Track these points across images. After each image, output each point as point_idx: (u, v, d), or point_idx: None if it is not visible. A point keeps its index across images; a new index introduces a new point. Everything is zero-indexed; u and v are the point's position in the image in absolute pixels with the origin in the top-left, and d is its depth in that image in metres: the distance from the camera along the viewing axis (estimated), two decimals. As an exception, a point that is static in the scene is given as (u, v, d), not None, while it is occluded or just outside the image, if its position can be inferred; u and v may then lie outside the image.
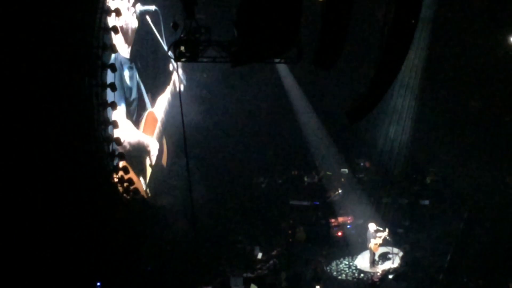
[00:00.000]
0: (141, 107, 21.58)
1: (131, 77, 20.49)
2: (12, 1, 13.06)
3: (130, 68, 20.49)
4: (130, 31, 20.02)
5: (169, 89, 24.63)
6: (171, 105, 24.52)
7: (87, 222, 15.90)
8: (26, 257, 14.25)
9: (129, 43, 20.05)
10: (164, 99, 24.05)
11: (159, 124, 23.24)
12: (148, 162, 22.32)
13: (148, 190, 21.92)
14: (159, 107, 23.49)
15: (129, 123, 19.95)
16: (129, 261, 18.33)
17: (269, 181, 28.07)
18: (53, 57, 14.24)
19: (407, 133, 26.37)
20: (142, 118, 21.57)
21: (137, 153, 21.00)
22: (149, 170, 22.34)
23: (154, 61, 23.18)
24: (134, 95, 20.75)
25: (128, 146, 19.46)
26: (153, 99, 22.95)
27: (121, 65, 19.03)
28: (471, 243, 21.97)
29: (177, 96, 24.38)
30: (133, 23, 20.35)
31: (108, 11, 17.03)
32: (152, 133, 22.73)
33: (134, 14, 20.37)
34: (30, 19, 13.43)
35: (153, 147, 22.67)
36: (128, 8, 19.72)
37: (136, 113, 20.97)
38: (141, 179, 21.33)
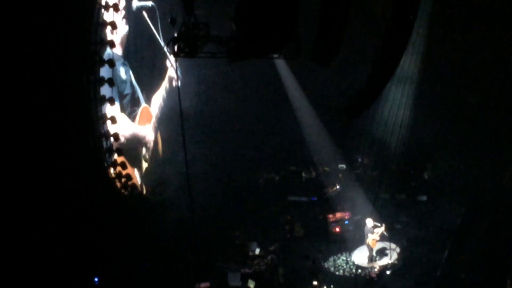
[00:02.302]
0: (135, 103, 21.52)
1: (125, 72, 20.44)
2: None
3: (124, 65, 20.44)
4: (122, 27, 19.98)
5: (163, 86, 24.57)
6: (166, 102, 24.47)
7: (85, 217, 15.91)
8: (23, 253, 14.25)
9: (121, 40, 20.00)
10: (159, 97, 24.00)
11: (153, 120, 23.20)
12: (143, 154, 22.27)
13: (144, 185, 21.90)
14: (154, 105, 23.46)
15: (123, 117, 19.92)
16: (127, 257, 18.34)
17: (267, 177, 28.11)
18: (51, 52, 14.24)
19: (405, 129, 26.36)
20: (136, 113, 21.53)
21: (133, 146, 20.97)
22: (144, 165, 22.31)
23: (150, 57, 23.13)
24: (127, 90, 20.71)
25: (123, 140, 19.44)
26: (148, 98, 22.91)
27: (115, 60, 18.98)
28: (468, 239, 22.00)
29: (172, 93, 24.36)
30: (125, 19, 20.29)
31: (106, 7, 17.01)
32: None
33: (125, 10, 20.28)
34: (28, 15, 13.41)
35: (149, 137, 22.59)
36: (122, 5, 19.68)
37: (129, 108, 20.92)
38: (137, 173, 21.32)
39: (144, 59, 22.49)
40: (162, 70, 24.50)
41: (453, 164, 26.52)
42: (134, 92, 21.45)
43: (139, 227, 19.22)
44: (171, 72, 24.49)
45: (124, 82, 20.33)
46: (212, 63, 24.34)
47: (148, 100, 22.87)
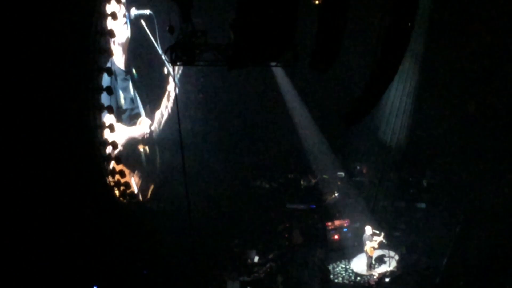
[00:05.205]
0: (134, 116, 21.50)
1: (125, 88, 20.43)
2: (8, 5, 13.04)
3: (125, 80, 20.44)
4: (124, 41, 20.00)
5: (164, 102, 24.58)
6: (164, 116, 24.49)
7: (84, 225, 15.87)
8: (22, 261, 14.20)
9: (124, 48, 20.02)
10: (158, 111, 24.05)
11: (152, 129, 23.19)
12: (142, 154, 22.21)
13: (142, 193, 21.87)
14: (153, 118, 23.51)
15: (120, 125, 19.90)
16: (126, 265, 18.30)
17: (266, 185, 28.08)
18: (49, 60, 14.23)
19: (403, 136, 26.40)
20: (134, 126, 21.52)
21: (130, 152, 20.91)
22: (144, 169, 22.27)
23: (149, 65, 23.13)
24: (126, 105, 20.67)
25: (121, 146, 19.41)
26: (151, 112, 22.97)
27: (115, 75, 18.96)
28: (467, 246, 21.97)
29: (170, 108, 24.39)
30: (127, 32, 20.30)
31: (104, 15, 17.02)
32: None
33: (127, 23, 20.31)
34: (26, 23, 13.41)
35: (147, 133, 22.48)
36: (123, 15, 19.69)
37: (128, 122, 20.89)
38: (136, 181, 21.28)
39: (143, 69, 22.50)
40: (162, 79, 24.53)
41: (452, 171, 26.54)
42: (134, 107, 21.44)
43: (138, 235, 19.19)
44: (170, 85, 24.53)
45: (124, 98, 20.34)
46: (210, 71, 24.44)
47: (151, 113, 22.89)
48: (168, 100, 24.61)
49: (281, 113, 28.17)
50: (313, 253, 22.80)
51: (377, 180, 26.79)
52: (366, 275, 21.98)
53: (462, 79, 26.01)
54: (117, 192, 18.31)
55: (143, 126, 22.20)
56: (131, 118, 21.07)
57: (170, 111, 24.56)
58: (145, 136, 22.28)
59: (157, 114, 23.78)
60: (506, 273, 19.67)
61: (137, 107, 21.70)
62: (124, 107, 20.38)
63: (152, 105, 23.22)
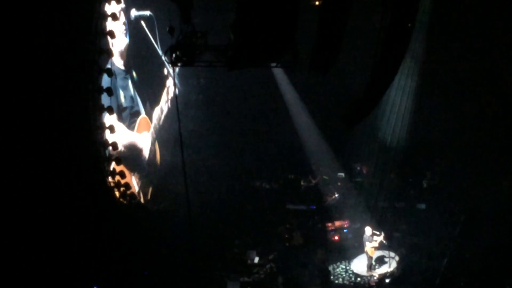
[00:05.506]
0: (134, 114, 21.53)
1: (124, 87, 20.46)
2: (9, 6, 13.04)
3: (125, 79, 20.47)
4: (123, 48, 20.02)
5: (163, 95, 24.60)
6: (164, 111, 24.52)
7: (84, 226, 15.88)
8: (21, 261, 14.20)
9: (122, 54, 20.04)
10: (158, 106, 24.07)
11: (151, 130, 23.22)
12: (142, 161, 22.24)
13: (142, 194, 21.88)
14: (154, 114, 23.51)
15: (121, 125, 19.93)
16: (126, 265, 18.30)
17: (266, 185, 28.05)
18: (50, 61, 14.23)
19: (404, 137, 26.38)
20: (135, 124, 21.55)
21: (132, 153, 20.95)
22: (143, 172, 22.29)
23: (149, 66, 23.16)
24: (127, 103, 20.72)
25: (122, 148, 19.44)
26: (151, 108, 22.99)
27: (115, 74, 18.99)
28: (467, 247, 21.95)
29: (170, 102, 24.40)
30: (126, 40, 20.31)
31: (104, 16, 17.03)
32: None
33: (127, 30, 20.32)
34: (27, 24, 13.42)
35: (147, 145, 22.59)
36: (122, 23, 19.72)
37: (128, 120, 20.93)
38: (136, 181, 21.30)
39: (143, 69, 22.52)
40: (162, 79, 24.54)
41: (452, 172, 26.49)
42: (134, 105, 21.47)
43: (138, 236, 19.19)
44: (169, 81, 24.53)
45: (124, 96, 20.37)
46: (210, 71, 24.42)
47: (151, 110, 22.90)
48: (168, 95, 24.63)
49: (281, 113, 28.17)
50: (313, 254, 22.74)
51: (377, 180, 26.75)
52: (366, 276, 21.96)
53: (462, 79, 25.99)
54: (117, 193, 18.34)
55: (147, 139, 22.28)
56: (131, 116, 21.11)
57: (170, 105, 24.59)
58: (146, 150, 22.40)
59: (157, 110, 23.81)
60: (506, 273, 19.67)
61: (137, 105, 21.73)
62: (124, 105, 20.41)
63: (151, 101, 23.26)
